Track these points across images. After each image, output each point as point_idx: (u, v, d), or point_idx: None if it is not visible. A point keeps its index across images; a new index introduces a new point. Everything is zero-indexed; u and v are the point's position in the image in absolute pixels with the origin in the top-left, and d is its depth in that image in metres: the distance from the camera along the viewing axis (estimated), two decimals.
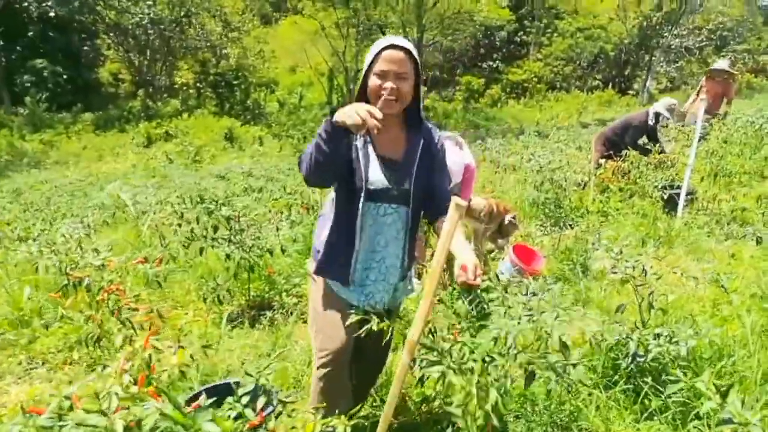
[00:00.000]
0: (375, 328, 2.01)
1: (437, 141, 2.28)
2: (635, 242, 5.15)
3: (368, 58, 2.04)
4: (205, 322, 4.01)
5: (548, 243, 5.23)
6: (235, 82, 28.36)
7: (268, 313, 4.04)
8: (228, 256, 3.93)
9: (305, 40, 30.31)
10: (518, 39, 33.88)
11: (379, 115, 1.76)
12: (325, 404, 2.14)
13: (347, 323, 2.10)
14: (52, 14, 28.16)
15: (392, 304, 2.36)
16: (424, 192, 2.20)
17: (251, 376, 1.79)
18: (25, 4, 28.21)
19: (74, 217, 6.22)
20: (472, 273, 1.90)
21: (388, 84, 2.01)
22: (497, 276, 4.00)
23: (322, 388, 2.20)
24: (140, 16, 27.70)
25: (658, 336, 2.52)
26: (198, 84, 30.85)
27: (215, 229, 4.03)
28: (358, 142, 2.10)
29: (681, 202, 5.58)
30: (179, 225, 5.08)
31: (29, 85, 26.12)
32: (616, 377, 2.69)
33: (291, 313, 4.05)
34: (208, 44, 31.14)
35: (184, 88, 31.71)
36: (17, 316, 3.81)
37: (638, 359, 2.56)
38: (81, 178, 14.26)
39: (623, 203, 5.89)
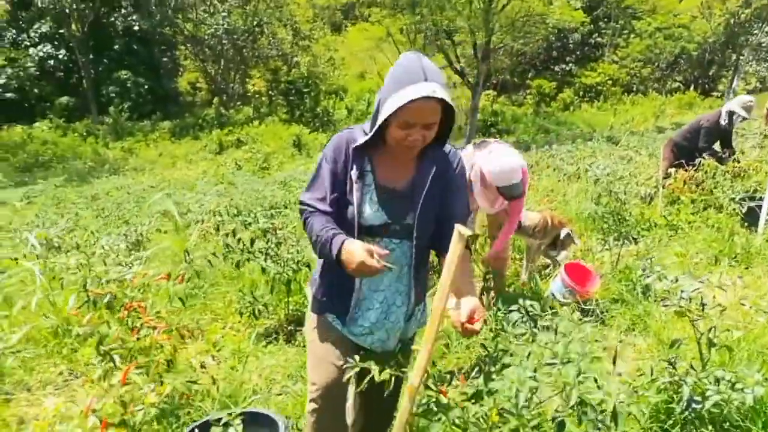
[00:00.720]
0: (377, 378, 1.74)
1: (456, 165, 1.97)
2: (707, 260, 4.68)
3: (394, 102, 1.69)
4: (240, 337, 3.94)
5: (608, 259, 4.84)
6: (305, 90, 28.83)
7: None
8: (263, 270, 3.85)
9: (373, 46, 30.47)
10: (593, 41, 32.66)
11: (385, 253, 1.67)
12: None
13: (342, 363, 1.88)
14: (136, 28, 29.80)
15: (404, 336, 2.12)
16: (434, 223, 1.93)
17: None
18: (112, 18, 30.03)
19: (131, 225, 6.37)
20: (466, 316, 1.69)
21: (416, 136, 1.75)
22: (551, 295, 3.71)
23: (313, 425, 1.98)
24: (215, 27, 28.78)
25: (718, 380, 2.18)
26: (269, 92, 31.62)
27: (252, 242, 3.96)
28: (353, 173, 1.83)
29: (763, 216, 5.02)
30: (225, 235, 5.09)
31: (114, 95, 27.62)
32: (669, 423, 2.37)
33: None
34: (280, 53, 31.97)
35: (257, 96, 32.62)
36: (60, 326, 3.87)
37: (694, 405, 2.23)
38: (153, 185, 14.82)
39: (695, 216, 5.39)
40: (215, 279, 4.80)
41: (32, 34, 29.40)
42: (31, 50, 28.69)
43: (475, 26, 19.74)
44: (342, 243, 1.72)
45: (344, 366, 1.83)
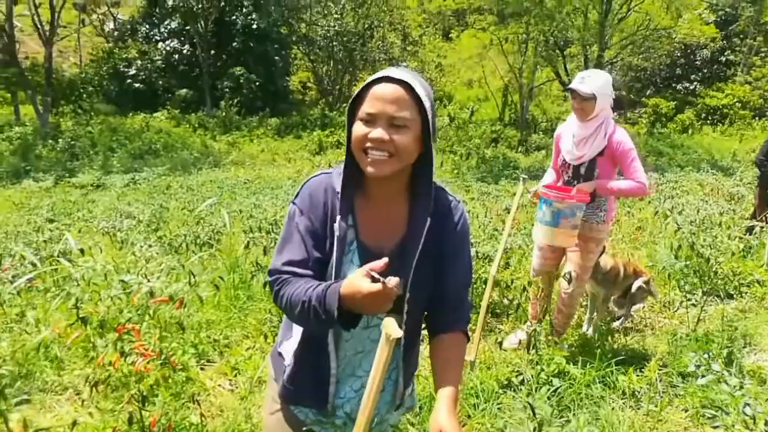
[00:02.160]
0: None
1: (458, 218, 1.58)
2: None
3: (353, 97, 1.44)
4: (260, 361, 3.75)
5: (691, 317, 4.17)
6: None
7: None
8: None
9: (483, 54, 29.86)
10: (723, 59, 29.94)
11: (395, 282, 1.27)
12: None
13: None
14: (254, 26, 31.23)
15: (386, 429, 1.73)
16: (429, 292, 1.56)
17: None
18: (234, 17, 31.65)
19: (197, 225, 6.44)
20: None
21: (377, 133, 1.39)
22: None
23: None
24: (327, 27, 29.46)
25: None
26: None
27: None
28: (337, 225, 1.46)
29: None
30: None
31: (227, 90, 29.04)
32: None
33: None
34: (388, 57, 32.12)
35: None
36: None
37: None
38: (248, 179, 15.25)
39: None
40: (257, 292, 4.67)
41: (162, 30, 31.65)
42: (160, 45, 30.92)
43: (588, 39, 18.66)
44: (339, 286, 1.33)
45: None
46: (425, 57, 33.11)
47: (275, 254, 1.54)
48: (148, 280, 3.14)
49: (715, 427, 1.78)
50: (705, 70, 30.05)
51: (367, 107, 1.41)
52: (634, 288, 4.17)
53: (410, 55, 32.72)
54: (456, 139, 25.79)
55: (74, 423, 2.62)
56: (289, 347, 1.63)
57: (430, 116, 1.42)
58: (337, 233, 1.46)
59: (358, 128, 1.43)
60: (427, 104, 1.42)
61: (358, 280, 1.29)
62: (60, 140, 19.05)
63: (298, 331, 1.60)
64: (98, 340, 2.63)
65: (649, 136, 25.81)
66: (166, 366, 2.73)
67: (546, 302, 3.94)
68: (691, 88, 29.61)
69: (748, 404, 1.78)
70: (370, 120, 1.41)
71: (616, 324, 4.31)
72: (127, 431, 2.68)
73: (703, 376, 3.14)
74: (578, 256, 3.66)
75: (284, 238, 1.53)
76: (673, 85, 30.30)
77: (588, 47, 19.25)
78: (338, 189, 1.47)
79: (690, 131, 26.39)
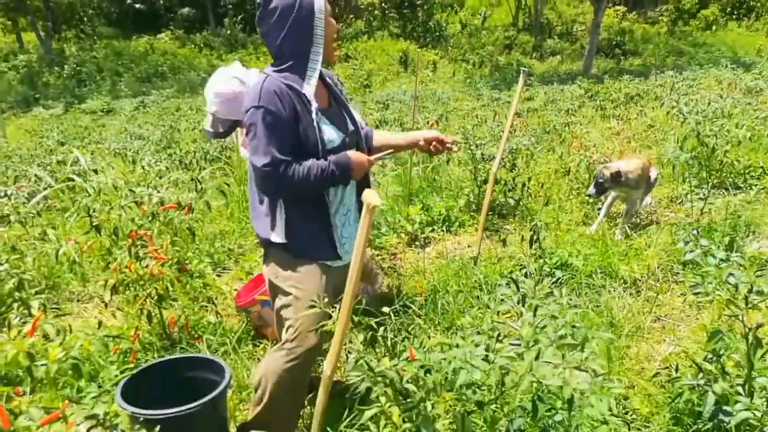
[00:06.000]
0: None
1: (336, 78, 2.26)
2: None
3: (320, 18, 1.94)
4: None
5: (696, 210, 4.19)
6: (418, 3, 27.64)
7: None
8: None
9: None
10: None
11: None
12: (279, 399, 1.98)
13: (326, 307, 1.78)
14: None
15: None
16: None
17: None
18: None
19: (207, 142, 6.47)
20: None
21: (333, 28, 2.04)
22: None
23: (285, 372, 1.95)
24: None
25: (753, 391, 1.75)
26: (383, 5, 30.66)
27: None
28: (314, 108, 1.95)
29: None
30: None
31: (231, 7, 28.18)
32: (693, 430, 1.98)
33: None
34: None
35: (370, 9, 31.78)
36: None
37: (722, 417, 1.82)
38: None
39: None
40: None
41: None
42: None
43: None
44: (347, 157, 1.96)
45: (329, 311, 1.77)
46: None
47: (262, 149, 1.86)
48: (158, 191, 3.23)
49: (697, 294, 1.84)
50: None
51: (328, 6, 1.98)
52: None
53: None
54: (468, 47, 25.02)
55: (100, 324, 2.79)
56: (280, 228, 2.00)
57: None
58: (313, 112, 1.93)
59: (333, 23, 2.03)
60: None
61: (356, 153, 2.00)
62: (66, 66, 18.88)
63: (280, 214, 1.99)
64: (114, 249, 2.74)
65: (669, 36, 24.79)
66: (182, 272, 2.85)
67: None
68: None
69: (732, 274, 1.83)
70: (334, 31, 2.05)
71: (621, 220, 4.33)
72: (149, 330, 2.85)
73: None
74: None
75: (265, 134, 1.86)
76: None
77: None
78: (298, 86, 1.93)
79: (714, 28, 25.23)
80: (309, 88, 1.94)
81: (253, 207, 2.10)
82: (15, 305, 2.18)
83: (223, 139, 6.39)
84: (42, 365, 1.42)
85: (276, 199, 2.00)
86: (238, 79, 2.38)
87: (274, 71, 1.96)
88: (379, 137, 2.33)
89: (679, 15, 26.47)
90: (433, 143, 2.25)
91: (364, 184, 2.15)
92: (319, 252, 2.04)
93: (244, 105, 2.05)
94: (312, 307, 1.77)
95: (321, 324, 1.74)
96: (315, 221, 2.02)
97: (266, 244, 2.06)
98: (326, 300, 1.79)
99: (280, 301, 2.05)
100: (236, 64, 2.47)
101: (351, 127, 2.12)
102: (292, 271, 2.03)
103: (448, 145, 2.27)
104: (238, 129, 2.52)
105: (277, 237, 2.00)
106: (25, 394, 1.33)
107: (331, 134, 2.00)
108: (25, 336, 1.45)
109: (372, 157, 2.10)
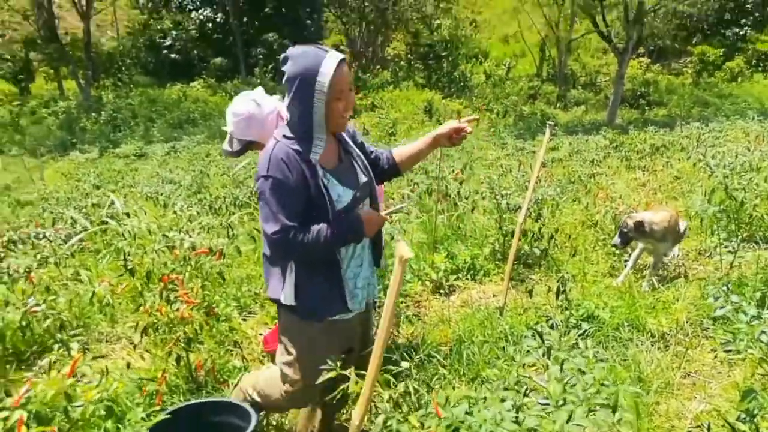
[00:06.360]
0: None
1: (353, 130, 2.25)
2: None
3: (324, 79, 1.84)
4: None
5: (726, 264, 4.13)
6: (443, 54, 28.25)
7: None
8: None
9: (518, 8, 28.97)
10: None
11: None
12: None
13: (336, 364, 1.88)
14: None
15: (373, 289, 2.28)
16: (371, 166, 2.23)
17: None
18: None
19: (236, 188, 6.62)
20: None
21: (350, 100, 1.97)
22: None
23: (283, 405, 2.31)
24: None
25: None
26: (408, 56, 31.42)
27: None
28: (321, 173, 1.97)
29: None
30: None
31: (261, 57, 29.14)
32: None
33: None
34: (421, 15, 31.48)
35: (396, 60, 32.58)
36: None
37: None
38: None
39: None
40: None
41: None
42: (193, 14, 31.08)
43: None
44: (358, 217, 1.99)
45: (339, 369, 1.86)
46: (459, 13, 32.36)
47: (272, 217, 1.90)
48: (190, 236, 3.32)
49: (728, 351, 1.81)
50: (757, 14, 28.46)
51: (342, 85, 1.90)
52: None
53: (443, 12, 31.94)
54: (492, 97, 25.35)
55: (128, 365, 2.84)
56: (290, 290, 2.01)
57: None
58: (322, 176, 1.96)
59: (339, 105, 1.93)
60: None
61: (369, 212, 2.05)
62: (102, 113, 19.60)
63: (290, 275, 2.00)
64: (145, 292, 2.82)
65: (694, 87, 24.83)
66: (210, 316, 2.90)
67: None
68: (741, 33, 28.14)
69: (765, 332, 1.81)
70: (344, 94, 1.93)
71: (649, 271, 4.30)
72: (176, 372, 2.89)
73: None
74: None
75: (274, 202, 1.89)
76: (722, 31, 28.85)
77: None
78: (304, 151, 1.92)
79: (739, 79, 25.23)
80: (315, 156, 1.94)
81: (265, 266, 2.14)
82: (55, 346, 2.25)
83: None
84: (78, 406, 1.46)
85: (287, 261, 2.03)
86: (255, 102, 2.56)
87: (284, 137, 1.97)
88: (400, 152, 2.32)
89: (703, 66, 26.57)
90: (452, 136, 2.24)
91: (377, 235, 2.18)
92: (330, 309, 2.06)
93: (253, 128, 2.44)
94: (316, 369, 1.89)
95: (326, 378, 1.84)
96: (326, 281, 2.03)
97: (277, 303, 2.11)
98: (332, 357, 1.91)
99: (283, 357, 2.16)
100: (259, 89, 2.64)
101: (363, 179, 2.11)
102: (299, 335, 2.11)
103: (467, 130, 2.23)
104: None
105: (286, 299, 2.03)
106: None
107: (341, 193, 2.00)
108: (64, 376, 1.50)
109: (384, 212, 2.14)
